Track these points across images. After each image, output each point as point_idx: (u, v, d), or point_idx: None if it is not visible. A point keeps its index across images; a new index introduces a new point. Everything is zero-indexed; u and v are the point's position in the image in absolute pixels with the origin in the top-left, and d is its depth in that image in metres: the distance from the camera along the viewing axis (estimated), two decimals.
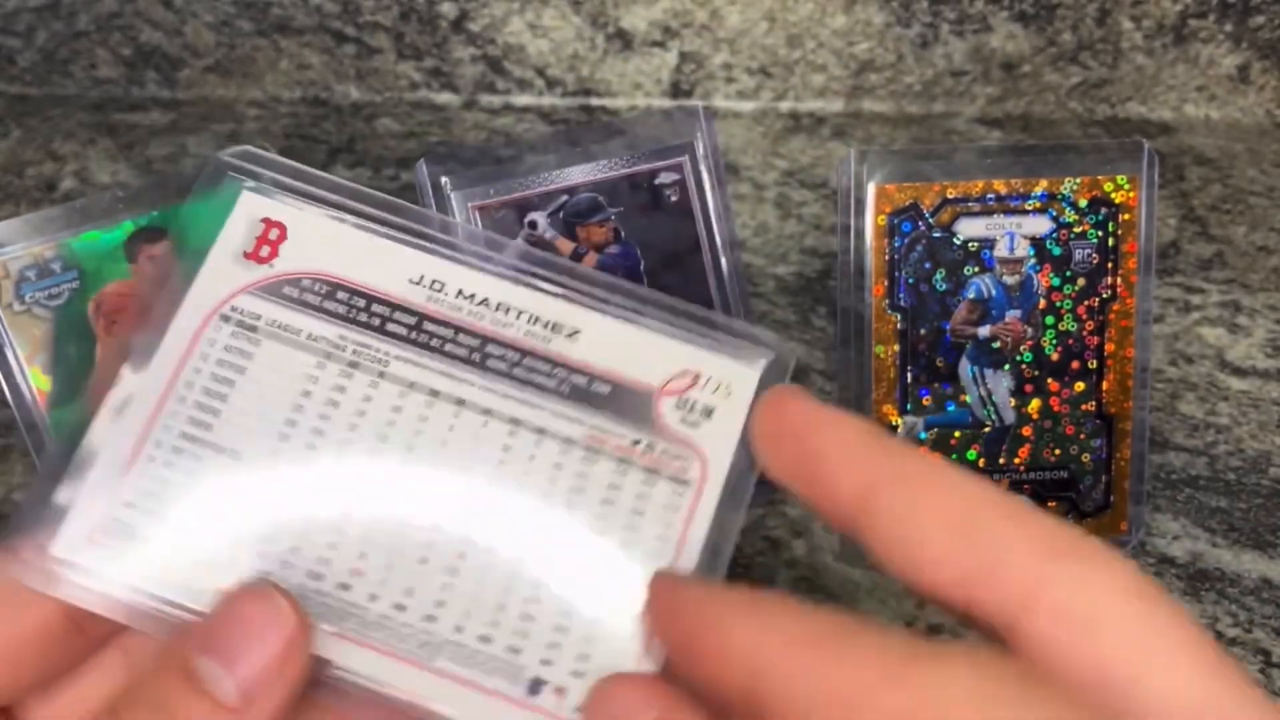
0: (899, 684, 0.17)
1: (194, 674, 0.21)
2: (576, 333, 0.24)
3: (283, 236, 0.25)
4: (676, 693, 0.20)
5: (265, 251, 0.25)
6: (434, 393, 0.24)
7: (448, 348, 0.24)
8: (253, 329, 0.24)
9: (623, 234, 0.36)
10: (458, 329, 0.24)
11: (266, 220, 0.25)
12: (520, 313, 0.25)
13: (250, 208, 0.25)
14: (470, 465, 0.23)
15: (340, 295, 0.25)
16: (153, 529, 0.23)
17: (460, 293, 0.25)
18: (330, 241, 0.25)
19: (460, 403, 0.24)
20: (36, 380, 0.34)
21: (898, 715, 0.16)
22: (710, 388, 0.24)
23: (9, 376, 0.34)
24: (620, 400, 0.24)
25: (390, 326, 0.24)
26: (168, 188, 0.35)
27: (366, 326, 0.24)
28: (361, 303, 0.24)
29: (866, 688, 0.17)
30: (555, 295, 0.25)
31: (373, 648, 0.22)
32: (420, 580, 0.23)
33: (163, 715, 0.20)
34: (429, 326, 0.24)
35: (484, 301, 0.25)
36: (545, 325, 0.24)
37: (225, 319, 0.24)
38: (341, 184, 0.25)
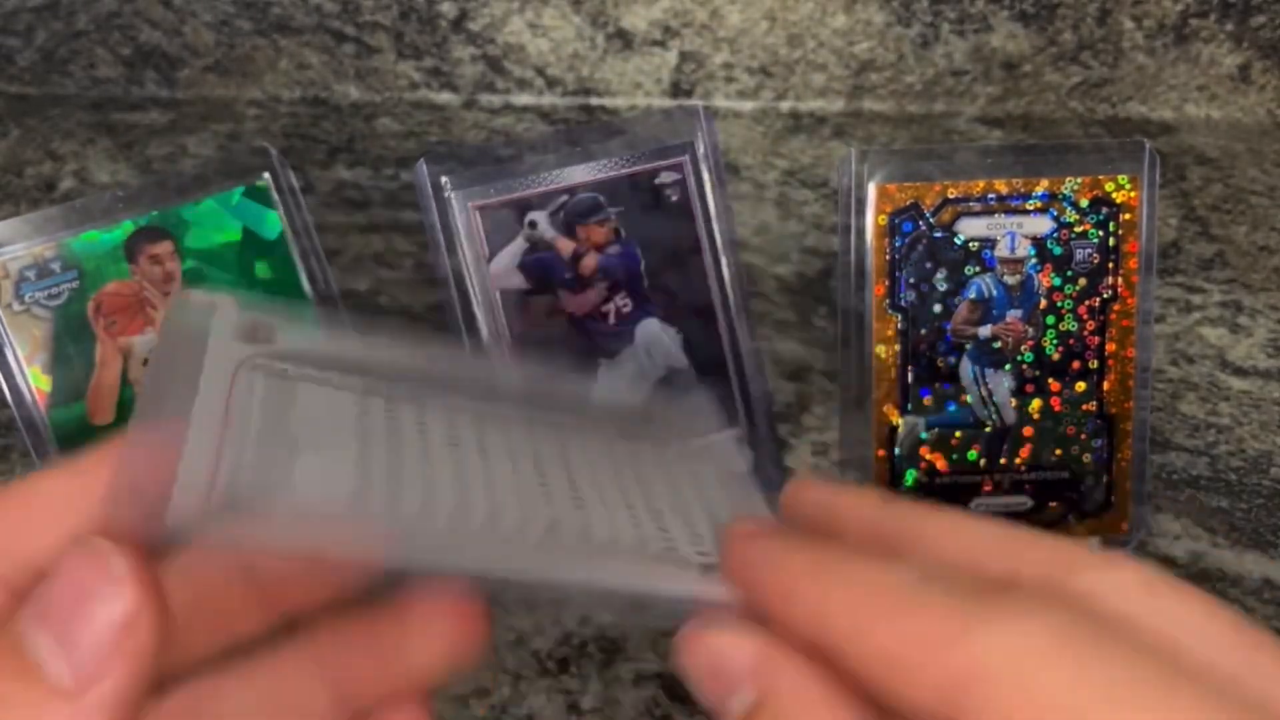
0: (955, 646, 0.17)
1: (24, 652, 0.17)
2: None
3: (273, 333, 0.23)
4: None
5: (263, 334, 0.22)
6: (480, 412, 0.24)
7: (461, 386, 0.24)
8: (284, 374, 0.22)
9: (623, 234, 0.36)
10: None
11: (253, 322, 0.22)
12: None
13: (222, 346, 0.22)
14: (546, 420, 0.24)
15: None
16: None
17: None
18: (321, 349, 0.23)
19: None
20: (36, 380, 0.34)
21: (954, 677, 0.17)
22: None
23: (9, 376, 0.34)
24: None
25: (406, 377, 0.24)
26: (167, 188, 0.35)
27: (382, 377, 0.23)
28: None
29: (927, 648, 0.17)
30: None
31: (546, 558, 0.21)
32: (558, 513, 0.22)
33: None
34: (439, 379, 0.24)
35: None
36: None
37: (254, 368, 0.22)
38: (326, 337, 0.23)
